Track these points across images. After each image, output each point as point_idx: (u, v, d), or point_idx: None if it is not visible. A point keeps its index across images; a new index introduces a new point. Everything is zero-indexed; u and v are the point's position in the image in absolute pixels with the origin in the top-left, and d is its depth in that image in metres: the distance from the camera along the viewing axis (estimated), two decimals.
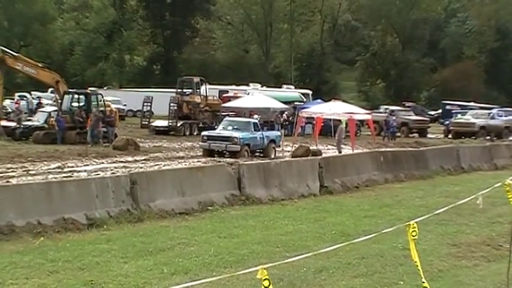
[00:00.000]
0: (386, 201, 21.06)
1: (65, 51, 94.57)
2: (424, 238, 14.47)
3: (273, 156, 34.45)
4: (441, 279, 11.84)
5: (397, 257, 12.98)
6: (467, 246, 14.43)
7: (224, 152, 33.84)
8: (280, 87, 68.85)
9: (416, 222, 10.18)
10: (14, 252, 12.80)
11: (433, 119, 70.92)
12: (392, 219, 17.11)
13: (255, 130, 35.28)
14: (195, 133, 46.89)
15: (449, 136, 55.36)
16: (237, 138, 33.78)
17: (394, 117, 54.49)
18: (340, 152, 36.24)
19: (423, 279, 9.70)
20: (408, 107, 68.10)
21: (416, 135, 56.87)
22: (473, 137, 51.97)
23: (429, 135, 57.48)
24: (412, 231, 9.75)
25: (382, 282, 11.47)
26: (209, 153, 34.31)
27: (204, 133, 36.53)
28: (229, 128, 35.34)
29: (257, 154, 35.20)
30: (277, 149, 36.65)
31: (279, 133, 39.03)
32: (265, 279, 7.44)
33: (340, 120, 39.83)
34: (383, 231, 12.61)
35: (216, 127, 38.85)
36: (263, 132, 36.18)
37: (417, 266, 9.73)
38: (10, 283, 10.84)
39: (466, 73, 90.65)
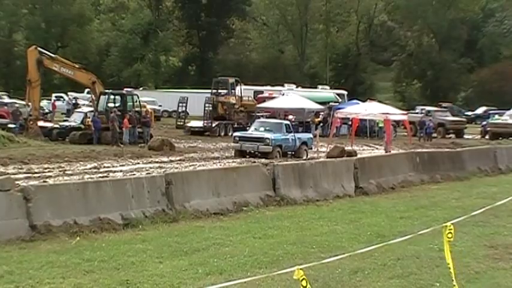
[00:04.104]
0: (422, 202, 20.91)
1: (101, 52, 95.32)
2: (460, 239, 14.35)
3: (304, 158, 34.35)
4: (478, 281, 11.72)
5: (433, 258, 12.86)
6: (505, 248, 14.26)
7: (256, 152, 33.82)
8: (315, 88, 68.73)
9: (452, 223, 10.11)
10: (50, 252, 12.91)
11: (470, 120, 70.35)
12: (429, 220, 16.98)
13: (287, 131, 35.29)
14: (230, 134, 46.90)
15: (487, 137, 54.86)
16: (268, 139, 33.80)
17: (430, 118, 54.17)
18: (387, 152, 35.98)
19: (454, 282, 9.63)
20: (445, 107, 67.56)
21: (453, 136, 56.42)
22: (510, 138, 51.40)
23: (466, 136, 57.00)
24: (448, 233, 9.68)
25: (418, 284, 11.38)
26: (241, 153, 34.35)
27: (236, 134, 36.66)
28: (261, 129, 35.42)
29: (289, 156, 35.14)
30: (309, 150, 36.57)
31: (311, 135, 38.94)
32: (302, 279, 7.44)
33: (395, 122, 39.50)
34: (419, 233, 12.57)
35: (248, 128, 38.91)
36: (295, 134, 36.14)
37: (449, 268, 9.66)
38: (47, 282, 10.93)
39: (504, 73, 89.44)
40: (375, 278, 11.68)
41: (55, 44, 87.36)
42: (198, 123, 50.93)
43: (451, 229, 9.76)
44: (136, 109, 42.46)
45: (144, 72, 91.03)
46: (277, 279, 10.72)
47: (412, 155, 26.96)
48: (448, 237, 9.75)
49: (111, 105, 41.69)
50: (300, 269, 7.55)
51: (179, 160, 32.32)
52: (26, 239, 13.64)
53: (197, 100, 54.47)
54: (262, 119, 41.16)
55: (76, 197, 15.01)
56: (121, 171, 27.06)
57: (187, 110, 56.05)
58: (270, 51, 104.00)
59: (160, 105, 67.15)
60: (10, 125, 40.03)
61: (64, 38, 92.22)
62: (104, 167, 28.61)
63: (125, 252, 12.99)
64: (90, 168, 27.70)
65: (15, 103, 47.64)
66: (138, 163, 30.66)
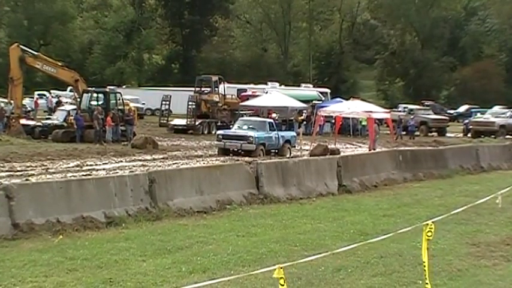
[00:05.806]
0: (405, 200, 21.00)
1: (84, 50, 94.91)
2: (443, 237, 14.43)
3: (288, 156, 34.34)
4: (460, 279, 11.79)
5: (415, 256, 12.91)
6: (487, 246, 14.35)
7: (239, 151, 33.80)
8: (298, 86, 68.78)
9: (435, 221, 10.18)
10: (33, 250, 12.87)
11: (453, 118, 70.69)
12: (411, 218, 17.06)
13: (270, 130, 35.27)
14: (214, 132, 46.78)
15: (469, 135, 55.10)
16: (252, 137, 33.79)
17: (412, 116, 54.32)
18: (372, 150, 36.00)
19: (427, 281, 9.68)
20: (427, 105, 67.80)
21: (435, 134, 56.63)
22: (492, 136, 51.63)
23: (448, 134, 57.23)
24: (428, 232, 9.73)
25: (400, 282, 11.43)
26: (224, 152, 34.32)
27: (219, 132, 36.60)
28: (245, 127, 35.36)
29: (272, 154, 35.14)
30: (292, 148, 36.57)
31: (294, 133, 38.95)
32: (281, 278, 7.47)
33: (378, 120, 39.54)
34: (401, 231, 12.62)
35: (232, 126, 38.89)
36: (278, 132, 36.14)
37: (424, 266, 9.71)
38: (29, 281, 10.90)
39: (486, 72, 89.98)
40: (358, 275, 11.72)
41: (37, 42, 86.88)
42: (181, 122, 50.83)
43: (431, 228, 9.80)
44: (120, 107, 42.31)
45: (127, 70, 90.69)
46: (261, 277, 10.74)
47: (395, 153, 27.03)
48: (428, 236, 9.80)
49: (94, 103, 41.56)
50: (282, 267, 7.57)
51: (162, 158, 32.25)
52: (8, 237, 13.59)
53: (180, 98, 54.33)
54: (245, 117, 41.15)
55: (59, 195, 14.97)
56: (104, 169, 26.97)
57: (170, 108, 55.88)
58: (253, 50, 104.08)
59: (143, 103, 67.03)
60: None
61: (46, 35, 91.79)
62: (87, 165, 28.49)
63: (108, 250, 12.96)
64: (73, 167, 27.58)
65: None
66: (121, 161, 30.56)
